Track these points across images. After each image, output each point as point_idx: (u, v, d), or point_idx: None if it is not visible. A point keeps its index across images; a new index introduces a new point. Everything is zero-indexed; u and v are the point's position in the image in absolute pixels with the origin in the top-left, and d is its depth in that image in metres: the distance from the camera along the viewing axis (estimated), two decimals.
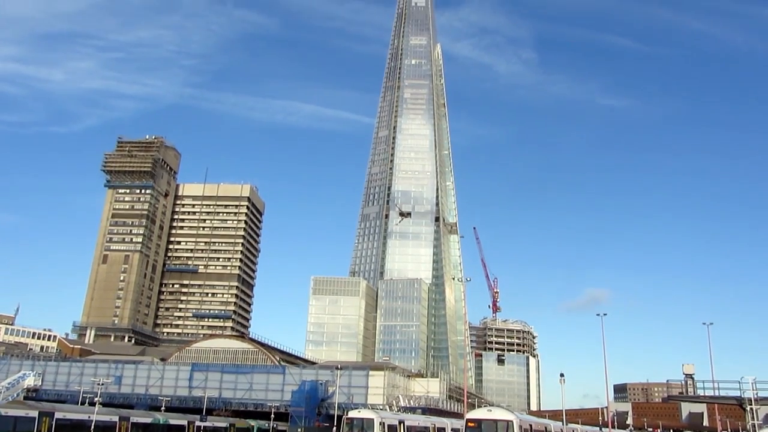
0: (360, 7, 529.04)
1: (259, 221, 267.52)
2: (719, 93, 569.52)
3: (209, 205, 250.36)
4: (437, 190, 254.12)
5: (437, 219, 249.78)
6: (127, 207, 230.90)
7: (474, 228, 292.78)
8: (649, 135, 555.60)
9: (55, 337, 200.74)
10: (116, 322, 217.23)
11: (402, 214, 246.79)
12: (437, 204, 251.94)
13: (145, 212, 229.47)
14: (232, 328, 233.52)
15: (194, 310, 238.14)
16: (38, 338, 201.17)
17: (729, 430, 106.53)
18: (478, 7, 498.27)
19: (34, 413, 55.84)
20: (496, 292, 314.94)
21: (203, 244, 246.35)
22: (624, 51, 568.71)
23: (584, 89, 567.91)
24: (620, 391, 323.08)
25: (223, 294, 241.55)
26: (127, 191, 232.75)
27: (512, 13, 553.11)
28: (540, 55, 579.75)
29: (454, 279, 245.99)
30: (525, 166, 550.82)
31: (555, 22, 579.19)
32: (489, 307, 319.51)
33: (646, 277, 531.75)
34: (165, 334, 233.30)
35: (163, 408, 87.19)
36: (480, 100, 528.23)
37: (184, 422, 75.03)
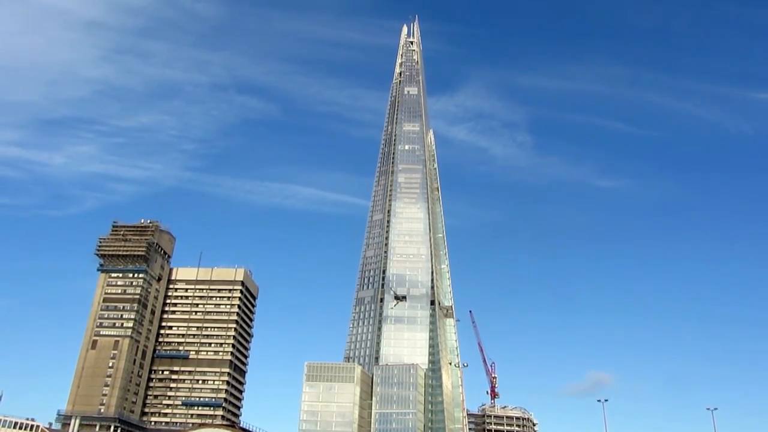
0: (358, 93, 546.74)
1: (253, 305, 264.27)
2: (712, 174, 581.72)
3: (202, 289, 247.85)
4: (432, 273, 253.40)
5: (433, 303, 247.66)
6: (120, 291, 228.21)
7: (470, 311, 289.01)
8: (645, 216, 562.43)
9: (37, 427, 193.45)
10: (102, 410, 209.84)
11: (397, 297, 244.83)
12: (432, 287, 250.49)
13: (138, 296, 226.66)
14: (223, 417, 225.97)
15: (184, 398, 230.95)
16: (20, 428, 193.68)
17: None
18: (473, 92, 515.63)
19: None
20: (494, 378, 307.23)
21: (195, 329, 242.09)
22: (617, 134, 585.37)
23: (579, 171, 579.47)
24: None
25: (214, 381, 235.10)
26: (120, 275, 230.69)
27: (507, 98, 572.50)
28: (535, 138, 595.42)
29: (450, 364, 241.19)
30: (521, 247, 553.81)
31: (549, 106, 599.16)
32: (487, 393, 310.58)
33: (649, 360, 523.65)
34: (153, 423, 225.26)
35: None
36: (476, 183, 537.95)
37: None
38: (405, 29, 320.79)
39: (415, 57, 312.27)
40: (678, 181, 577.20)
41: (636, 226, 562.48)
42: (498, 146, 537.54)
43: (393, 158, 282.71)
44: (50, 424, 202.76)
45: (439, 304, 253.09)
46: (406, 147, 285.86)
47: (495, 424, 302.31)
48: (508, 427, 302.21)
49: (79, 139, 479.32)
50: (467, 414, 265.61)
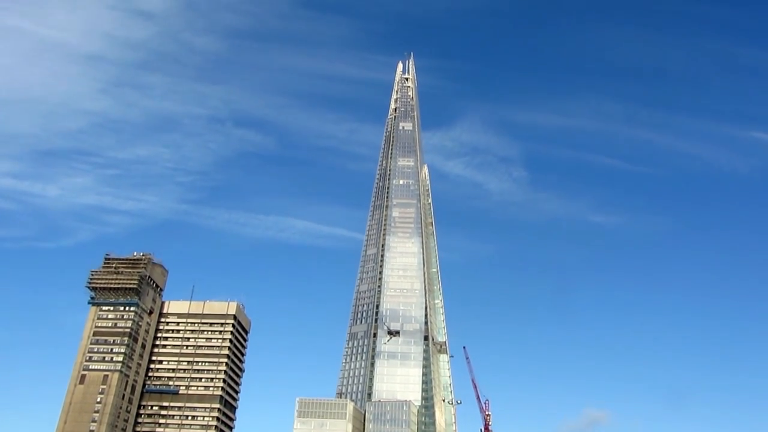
0: (355, 127, 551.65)
1: (245, 339, 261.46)
2: (707, 211, 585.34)
3: (194, 323, 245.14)
4: (426, 308, 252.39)
5: (426, 338, 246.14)
6: (110, 325, 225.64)
7: (464, 347, 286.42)
8: (640, 251, 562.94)
9: None
10: None
11: (390, 332, 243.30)
12: (426, 323, 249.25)
13: (128, 330, 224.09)
14: None
15: None
16: None
17: None
18: (469, 127, 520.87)
19: None
20: (488, 415, 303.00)
21: (186, 363, 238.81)
22: (612, 170, 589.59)
23: (574, 207, 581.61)
24: None
25: (203, 416, 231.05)
26: (111, 308, 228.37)
27: (503, 133, 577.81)
28: (531, 173, 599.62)
29: (444, 401, 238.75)
30: (516, 283, 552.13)
31: (545, 142, 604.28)
32: (480, 430, 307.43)
33: (646, 398, 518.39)
34: None
35: None
36: (471, 217, 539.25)
37: None
38: (400, 66, 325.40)
39: (410, 93, 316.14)
40: (673, 218, 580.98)
41: (631, 262, 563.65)
42: (493, 181, 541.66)
43: (387, 193, 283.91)
44: None
45: (433, 339, 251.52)
46: (401, 182, 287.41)
47: None
48: None
49: (74, 171, 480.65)
50: None
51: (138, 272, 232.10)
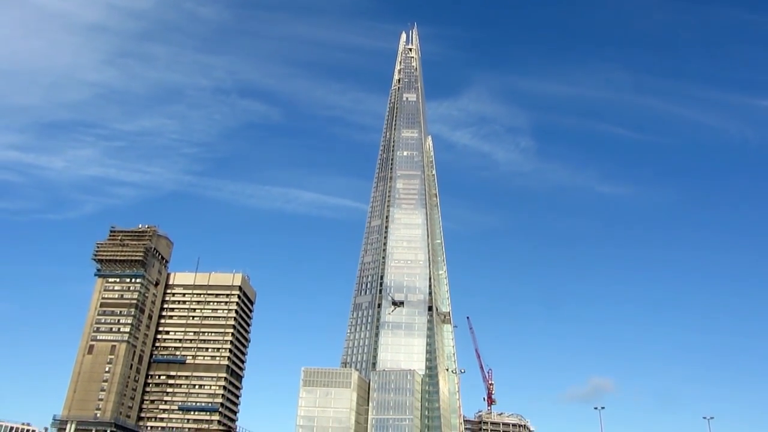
0: (360, 97, 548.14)
1: (250, 310, 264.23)
2: (714, 181, 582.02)
3: (200, 294, 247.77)
4: (430, 279, 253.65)
5: (430, 309, 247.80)
6: (117, 296, 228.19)
7: (467, 318, 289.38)
8: (646, 222, 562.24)
9: (33, 431, 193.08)
10: (98, 415, 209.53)
11: (395, 303, 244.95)
12: (430, 293, 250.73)
13: (135, 301, 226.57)
14: (219, 422, 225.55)
15: (180, 403, 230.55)
16: None
17: None
18: (476, 96, 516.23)
19: None
20: (491, 384, 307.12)
21: (192, 334, 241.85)
22: (620, 139, 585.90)
23: (581, 177, 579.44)
24: None
25: (210, 386, 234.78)
26: (118, 280, 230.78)
27: (510, 102, 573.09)
28: (538, 143, 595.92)
29: (448, 370, 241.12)
30: (521, 253, 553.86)
31: (552, 111, 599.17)
32: (484, 399, 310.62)
33: (650, 366, 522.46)
34: (149, 428, 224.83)
35: None
36: (478, 188, 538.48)
37: None
38: (404, 36, 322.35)
39: (413, 64, 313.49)
40: (680, 188, 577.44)
41: (638, 232, 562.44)
42: (501, 151, 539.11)
43: (391, 164, 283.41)
44: (46, 429, 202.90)
45: (437, 310, 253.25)
46: (405, 153, 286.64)
47: (491, 430, 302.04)
48: None
49: (79, 143, 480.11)
50: (464, 420, 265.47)
51: (143, 244, 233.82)
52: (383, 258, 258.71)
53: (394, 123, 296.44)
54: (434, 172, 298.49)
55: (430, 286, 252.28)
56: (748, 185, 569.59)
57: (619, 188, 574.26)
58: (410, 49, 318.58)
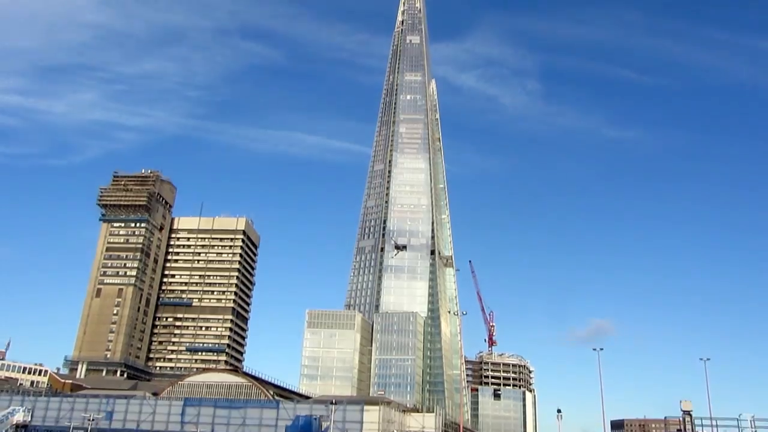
0: (366, 38, 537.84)
1: (255, 254, 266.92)
2: (722, 124, 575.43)
3: (204, 238, 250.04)
4: (433, 223, 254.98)
5: (433, 252, 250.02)
6: (122, 241, 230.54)
7: (470, 261, 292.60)
8: (653, 166, 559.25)
9: (46, 371, 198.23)
10: (108, 356, 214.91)
11: (398, 247, 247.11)
12: (433, 237, 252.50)
13: (140, 246, 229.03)
14: (226, 362, 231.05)
15: (188, 344, 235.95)
16: (29, 373, 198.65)
17: None
18: (482, 38, 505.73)
19: None
20: (492, 326, 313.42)
21: (197, 277, 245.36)
22: (628, 82, 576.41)
23: (589, 121, 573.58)
24: (617, 427, 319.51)
25: (217, 327, 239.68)
26: (122, 225, 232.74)
27: (518, 44, 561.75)
28: (545, 86, 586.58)
29: (450, 312, 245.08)
30: (525, 197, 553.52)
31: (560, 54, 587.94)
32: (485, 341, 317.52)
33: (648, 309, 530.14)
34: (158, 368, 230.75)
35: None
36: (483, 132, 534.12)
37: None
38: None
39: (417, 5, 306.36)
40: (689, 132, 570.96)
41: (643, 176, 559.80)
42: (507, 94, 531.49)
43: (394, 108, 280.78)
44: (58, 369, 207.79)
45: (439, 253, 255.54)
46: (408, 97, 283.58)
47: (492, 370, 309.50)
48: (505, 374, 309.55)
49: (80, 87, 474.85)
50: (465, 361, 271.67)
51: (147, 189, 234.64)
52: (386, 202, 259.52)
53: (397, 66, 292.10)
54: (438, 116, 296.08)
55: (432, 230, 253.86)
56: (756, 129, 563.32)
57: (626, 132, 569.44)
58: None
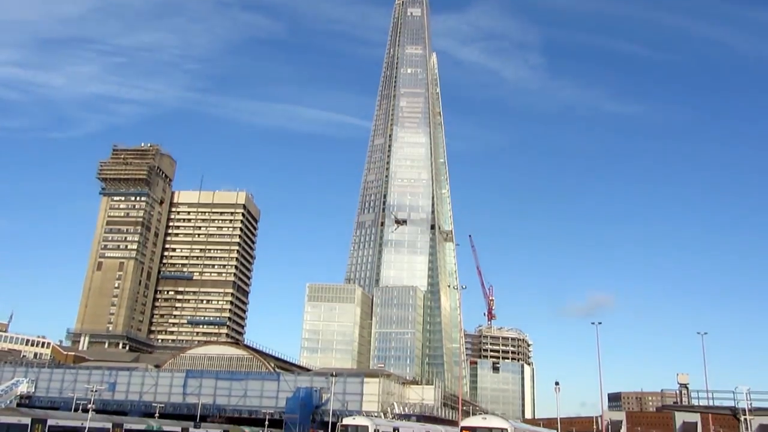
0: (367, 11, 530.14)
1: (255, 228, 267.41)
2: (727, 100, 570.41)
3: (204, 212, 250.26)
4: (433, 198, 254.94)
5: (433, 227, 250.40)
6: (122, 214, 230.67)
7: (470, 236, 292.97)
8: (654, 142, 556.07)
9: (48, 344, 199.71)
10: (110, 329, 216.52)
11: (398, 222, 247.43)
12: (433, 212, 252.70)
13: (140, 219, 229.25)
14: (227, 335, 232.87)
15: (189, 317, 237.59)
16: (32, 345, 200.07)
17: None
18: (485, 10, 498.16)
19: (27, 420, 55.68)
20: (492, 300, 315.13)
21: (198, 251, 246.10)
22: (631, 57, 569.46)
23: (591, 95, 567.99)
24: (614, 399, 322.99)
25: (218, 301, 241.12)
26: (122, 199, 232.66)
27: (520, 17, 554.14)
28: (548, 60, 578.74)
29: (449, 287, 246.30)
30: (526, 172, 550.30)
31: (564, 27, 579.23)
32: (484, 314, 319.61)
33: (648, 283, 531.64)
34: (159, 341, 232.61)
35: (156, 415, 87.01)
36: (484, 106, 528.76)
37: (178, 429, 74.88)
38: None
39: None
40: (692, 107, 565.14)
41: (645, 151, 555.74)
42: (509, 68, 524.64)
43: (395, 82, 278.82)
44: (61, 341, 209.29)
45: (439, 228, 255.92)
46: (409, 71, 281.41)
47: (491, 344, 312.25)
48: (504, 347, 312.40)
49: (78, 59, 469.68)
50: (464, 334, 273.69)
51: (147, 163, 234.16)
52: (386, 177, 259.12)
53: (397, 39, 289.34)
54: (438, 89, 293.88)
55: (432, 204, 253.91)
56: (761, 103, 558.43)
57: (628, 107, 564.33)
58: None
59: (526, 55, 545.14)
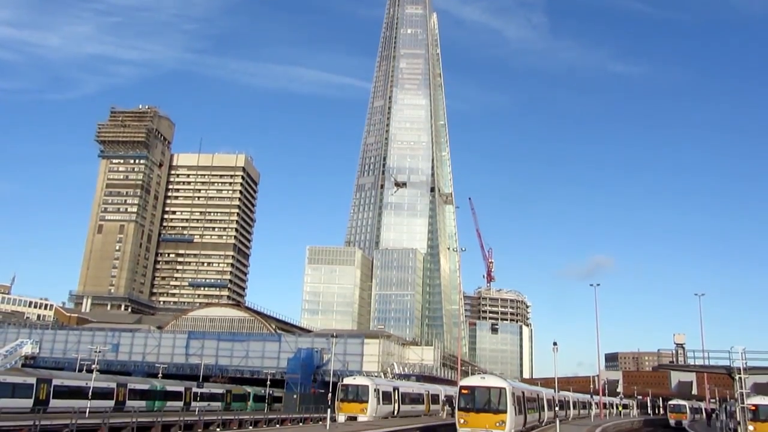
0: None
1: (255, 191, 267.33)
2: (733, 60, 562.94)
3: (204, 175, 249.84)
4: (433, 160, 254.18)
5: (432, 190, 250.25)
6: (122, 177, 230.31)
7: (469, 199, 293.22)
8: (659, 103, 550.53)
9: (51, 306, 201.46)
10: (112, 291, 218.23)
11: (398, 184, 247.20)
12: (433, 175, 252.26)
13: (140, 182, 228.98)
14: (228, 297, 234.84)
15: (190, 279, 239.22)
16: (35, 307, 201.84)
17: (717, 398, 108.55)
18: None
19: (32, 380, 56.58)
20: (491, 262, 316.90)
21: (198, 214, 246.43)
22: (636, 15, 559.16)
23: (595, 56, 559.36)
24: (612, 360, 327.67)
25: (218, 263, 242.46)
26: (121, 161, 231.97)
27: None
28: (551, 19, 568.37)
29: (449, 249, 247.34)
30: (528, 133, 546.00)
31: None
32: (483, 277, 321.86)
33: (647, 244, 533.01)
34: (161, 302, 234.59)
35: (160, 375, 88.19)
36: (486, 66, 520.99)
37: (181, 389, 76.07)
38: None
39: None
40: (697, 67, 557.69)
41: (648, 112, 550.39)
42: (512, 27, 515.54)
43: (395, 43, 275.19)
44: (63, 303, 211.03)
45: (439, 191, 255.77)
46: (409, 31, 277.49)
47: (490, 305, 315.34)
48: (503, 309, 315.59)
49: (74, 18, 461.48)
50: (464, 296, 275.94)
51: (145, 125, 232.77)
52: (386, 139, 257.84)
53: None
54: (439, 50, 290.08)
55: (432, 167, 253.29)
56: (765, 63, 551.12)
57: (632, 67, 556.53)
58: None
59: (528, 14, 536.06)
